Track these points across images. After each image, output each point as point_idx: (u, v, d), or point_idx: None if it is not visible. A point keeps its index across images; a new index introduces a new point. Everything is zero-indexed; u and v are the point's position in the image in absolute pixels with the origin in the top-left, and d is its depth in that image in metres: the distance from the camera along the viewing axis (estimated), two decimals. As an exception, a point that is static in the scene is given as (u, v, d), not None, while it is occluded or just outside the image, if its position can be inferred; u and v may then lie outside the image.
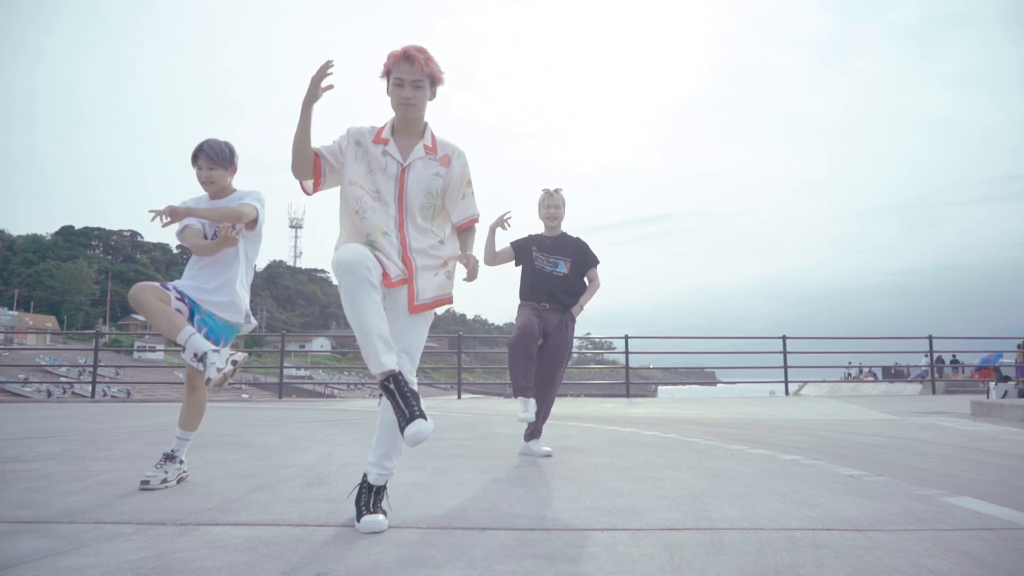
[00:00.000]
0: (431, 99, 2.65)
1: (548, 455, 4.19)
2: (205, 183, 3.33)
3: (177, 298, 3.12)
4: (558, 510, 2.69)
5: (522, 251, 4.49)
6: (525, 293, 4.45)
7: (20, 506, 2.76)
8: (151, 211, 3.07)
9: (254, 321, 3.40)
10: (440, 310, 2.73)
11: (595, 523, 2.48)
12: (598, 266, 4.55)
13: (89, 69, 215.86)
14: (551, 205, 4.47)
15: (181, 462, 3.26)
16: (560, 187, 4.54)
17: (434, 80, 2.62)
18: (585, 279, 4.53)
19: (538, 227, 4.55)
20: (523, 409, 4.11)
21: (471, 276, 2.66)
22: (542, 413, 4.32)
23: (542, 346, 4.30)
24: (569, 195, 4.54)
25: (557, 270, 4.42)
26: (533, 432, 4.32)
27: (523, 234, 4.60)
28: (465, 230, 2.77)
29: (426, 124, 2.69)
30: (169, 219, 3.08)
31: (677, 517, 2.56)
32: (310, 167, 2.56)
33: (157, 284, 3.11)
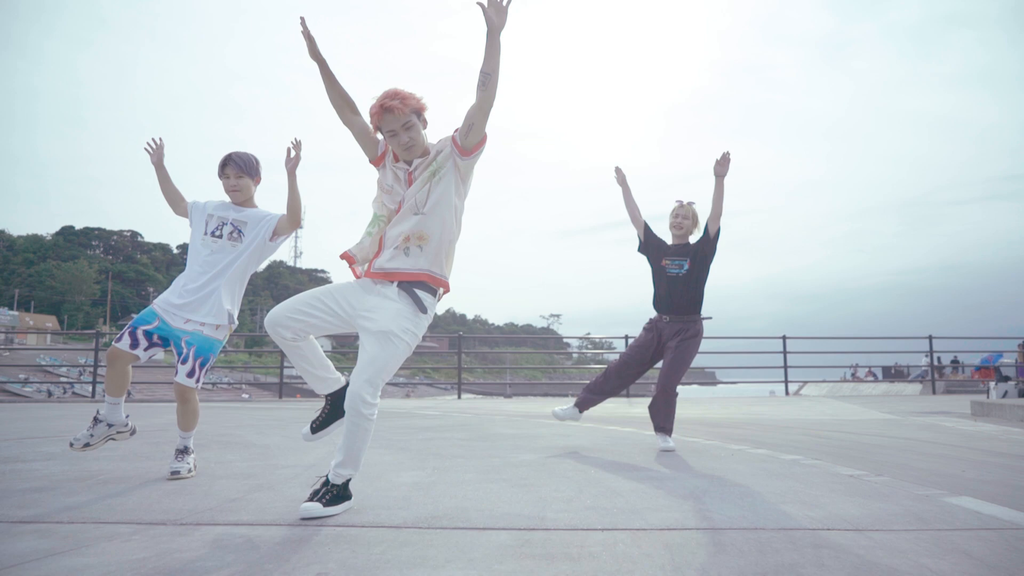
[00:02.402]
0: (425, 127, 2.76)
1: (670, 449, 4.35)
2: (232, 191, 3.45)
3: (146, 348, 3.36)
4: (558, 510, 2.69)
5: (650, 239, 4.68)
6: (654, 301, 4.66)
7: (20, 506, 2.76)
8: (147, 147, 3.56)
9: (234, 322, 3.50)
10: (440, 310, 2.78)
11: (595, 523, 2.48)
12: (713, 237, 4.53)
13: (89, 69, 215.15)
14: (678, 215, 4.57)
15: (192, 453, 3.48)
16: (693, 200, 4.62)
17: (419, 112, 2.73)
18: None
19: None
20: (565, 408, 4.73)
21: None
22: (662, 413, 4.48)
23: (658, 353, 4.57)
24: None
25: (681, 271, 4.53)
26: (662, 428, 4.48)
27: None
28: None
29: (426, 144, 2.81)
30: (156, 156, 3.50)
31: (677, 517, 2.56)
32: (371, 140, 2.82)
33: (127, 349, 3.31)
